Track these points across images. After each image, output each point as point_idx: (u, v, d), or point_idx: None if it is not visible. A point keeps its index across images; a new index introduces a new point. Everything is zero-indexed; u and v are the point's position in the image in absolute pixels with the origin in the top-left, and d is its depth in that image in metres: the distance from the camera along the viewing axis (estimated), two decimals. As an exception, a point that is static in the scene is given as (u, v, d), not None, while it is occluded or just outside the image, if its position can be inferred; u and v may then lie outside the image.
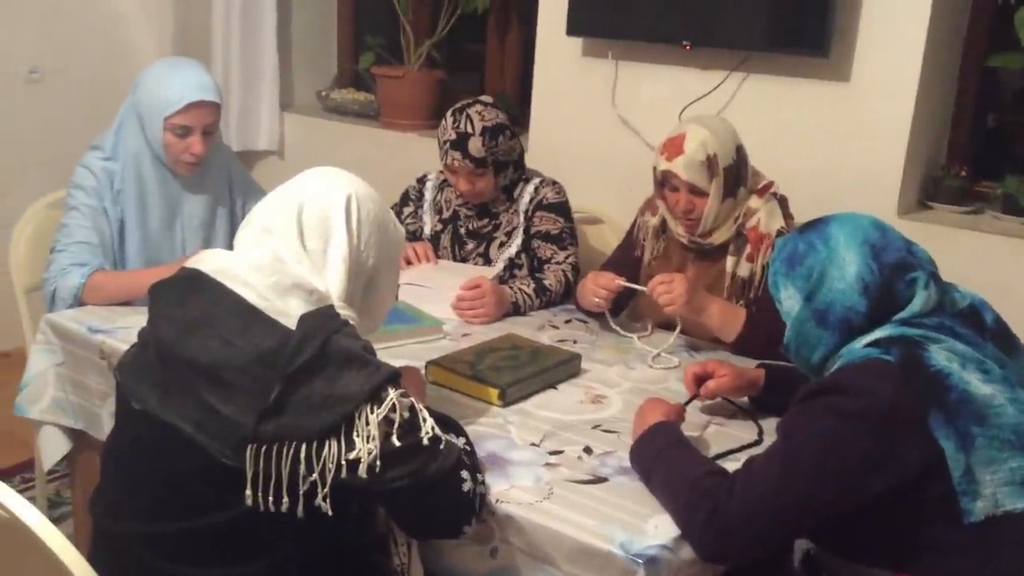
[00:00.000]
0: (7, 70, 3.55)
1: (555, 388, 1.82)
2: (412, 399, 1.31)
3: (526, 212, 2.39)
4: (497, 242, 2.42)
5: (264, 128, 3.66)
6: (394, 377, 1.29)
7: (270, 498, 1.23)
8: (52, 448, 2.08)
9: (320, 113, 3.80)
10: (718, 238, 2.09)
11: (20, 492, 2.58)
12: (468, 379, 1.76)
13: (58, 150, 3.69)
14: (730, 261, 2.09)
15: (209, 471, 1.24)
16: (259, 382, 1.23)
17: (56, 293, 2.12)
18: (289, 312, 1.29)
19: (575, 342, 2.07)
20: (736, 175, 2.06)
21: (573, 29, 2.80)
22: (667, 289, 1.95)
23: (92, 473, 2.09)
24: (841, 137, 2.51)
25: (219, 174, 2.37)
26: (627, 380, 1.89)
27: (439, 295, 2.21)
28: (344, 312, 1.34)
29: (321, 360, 1.25)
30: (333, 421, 1.23)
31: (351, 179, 1.44)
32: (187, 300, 1.31)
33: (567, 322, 2.22)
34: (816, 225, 1.42)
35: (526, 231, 2.39)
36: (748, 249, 2.07)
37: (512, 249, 2.40)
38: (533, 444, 1.58)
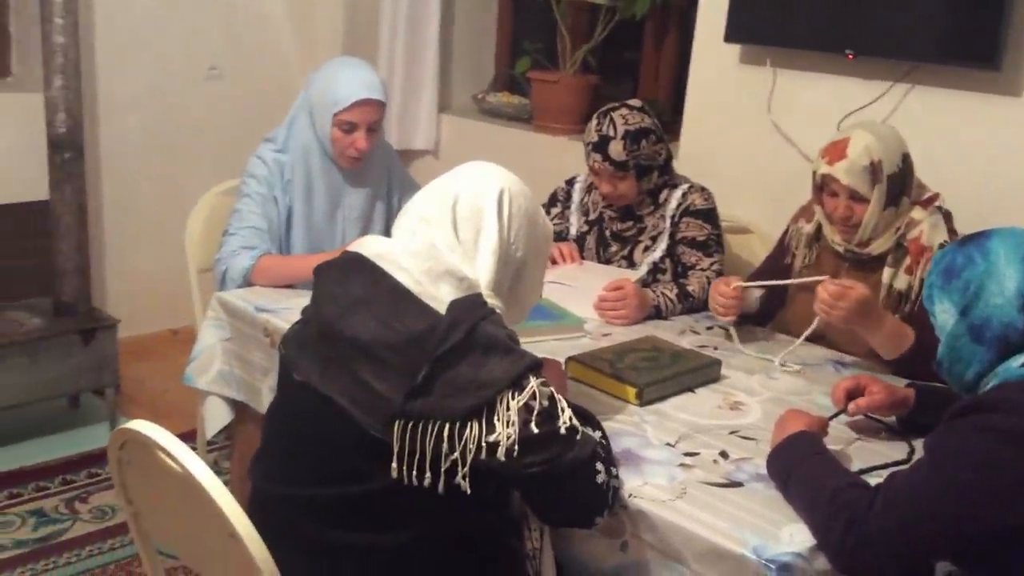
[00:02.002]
0: (189, 67, 3.81)
1: (693, 392, 1.83)
2: (552, 388, 1.35)
3: (673, 217, 2.39)
4: (642, 246, 2.43)
5: (422, 128, 3.79)
6: (536, 366, 1.34)
7: (414, 472, 1.29)
8: (215, 418, 2.23)
9: (475, 115, 3.90)
10: (876, 248, 2.04)
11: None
12: (607, 376, 1.79)
13: (231, 143, 3.94)
14: (887, 272, 2.03)
15: (359, 443, 1.32)
16: (409, 362, 1.29)
17: (226, 273, 2.27)
18: (440, 297, 1.35)
19: (716, 348, 2.06)
20: (900, 184, 2.00)
21: (732, 35, 2.78)
22: (840, 294, 1.82)
23: (251, 444, 2.22)
24: (1011, 154, 2.39)
25: (380, 169, 2.49)
26: (768, 390, 1.87)
27: (582, 294, 2.24)
28: (491, 301, 1.39)
29: (467, 345, 1.30)
30: (475, 404, 1.28)
31: (504, 174, 1.50)
32: (348, 281, 1.39)
33: (708, 328, 2.21)
34: (976, 238, 1.38)
35: (672, 236, 2.39)
36: (907, 261, 2.01)
37: (657, 253, 2.40)
38: (668, 444, 1.59)
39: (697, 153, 3.00)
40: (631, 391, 1.75)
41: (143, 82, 3.65)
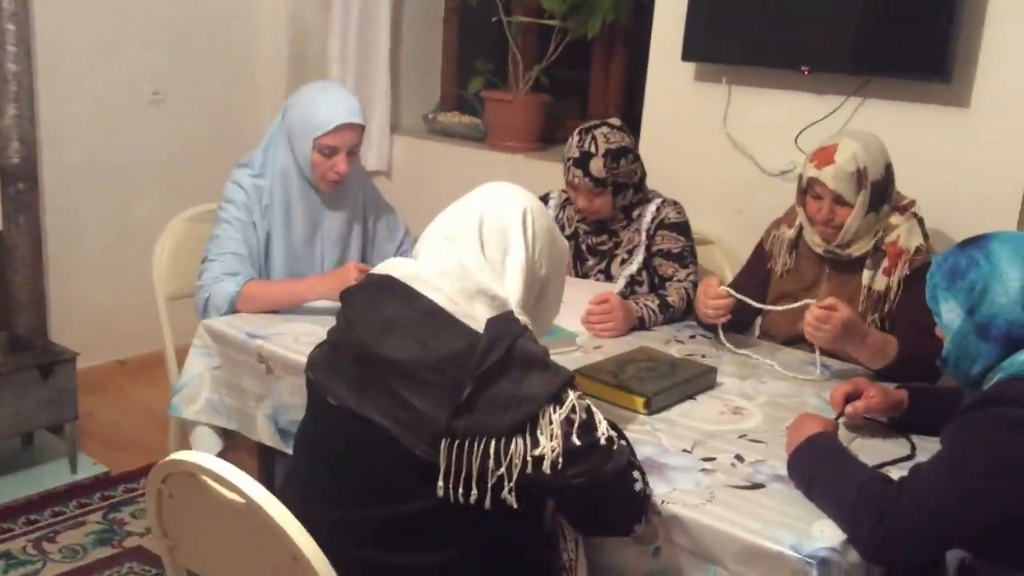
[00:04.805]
0: (133, 91, 3.74)
1: (693, 399, 1.88)
2: (588, 401, 1.38)
3: (648, 231, 2.46)
4: (618, 259, 2.48)
5: (374, 150, 3.79)
6: (572, 380, 1.37)
7: (461, 490, 1.31)
8: (204, 448, 2.18)
9: (426, 135, 3.92)
10: (856, 250, 2.13)
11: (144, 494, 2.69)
12: (613, 388, 1.83)
13: (177, 167, 3.89)
14: (866, 274, 2.12)
15: (402, 463, 1.33)
16: (451, 381, 1.31)
17: (209, 300, 2.23)
18: (475, 316, 1.37)
19: (703, 356, 2.12)
20: (883, 191, 2.10)
21: (689, 55, 2.87)
22: (824, 318, 1.88)
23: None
24: (960, 164, 2.52)
25: (356, 192, 2.49)
26: (761, 394, 1.94)
27: (568, 309, 2.24)
28: (522, 318, 1.42)
29: (507, 362, 1.33)
30: (520, 419, 1.31)
31: (525, 194, 1.53)
32: (381, 303, 1.40)
33: (691, 337, 2.27)
34: (977, 241, 1.47)
35: (647, 249, 2.46)
36: (885, 263, 2.11)
37: (633, 266, 2.46)
38: (685, 451, 1.64)
39: (654, 169, 3.05)
40: (639, 401, 1.79)
41: (85, 109, 3.56)
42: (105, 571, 2.52)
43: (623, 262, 2.48)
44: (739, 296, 2.13)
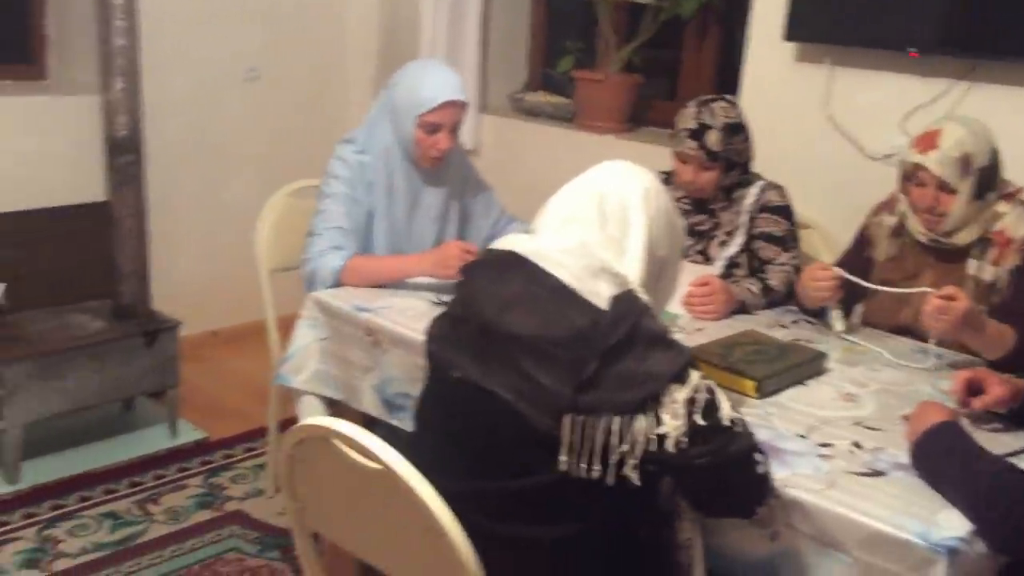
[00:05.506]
0: (228, 69, 3.81)
1: (803, 384, 1.86)
2: (711, 381, 1.38)
3: (750, 213, 2.43)
4: (717, 241, 2.46)
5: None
6: (694, 360, 1.37)
7: (583, 465, 1.32)
8: (312, 416, 2.22)
9: (513, 115, 3.93)
10: (961, 239, 2.08)
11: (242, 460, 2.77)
12: (722, 370, 1.82)
13: (269, 145, 3.96)
14: (973, 264, 2.07)
15: (524, 437, 1.34)
16: (576, 356, 1.32)
17: (316, 273, 2.27)
18: (599, 293, 1.38)
19: (809, 342, 2.10)
20: (989, 178, 2.04)
21: (792, 34, 2.82)
22: (944, 308, 1.83)
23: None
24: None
25: (456, 169, 2.51)
26: (873, 381, 1.91)
27: (668, 291, 2.26)
28: (643, 296, 1.42)
29: (632, 340, 1.33)
30: (644, 396, 1.32)
31: (645, 172, 1.53)
32: (507, 278, 1.42)
33: (794, 322, 2.25)
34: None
35: (748, 232, 2.43)
36: (993, 252, 2.05)
37: (733, 248, 2.44)
38: (800, 436, 1.63)
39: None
40: (749, 384, 1.78)
41: (185, 85, 3.65)
42: (207, 534, 2.60)
43: (722, 244, 2.46)
44: (849, 276, 2.09)
